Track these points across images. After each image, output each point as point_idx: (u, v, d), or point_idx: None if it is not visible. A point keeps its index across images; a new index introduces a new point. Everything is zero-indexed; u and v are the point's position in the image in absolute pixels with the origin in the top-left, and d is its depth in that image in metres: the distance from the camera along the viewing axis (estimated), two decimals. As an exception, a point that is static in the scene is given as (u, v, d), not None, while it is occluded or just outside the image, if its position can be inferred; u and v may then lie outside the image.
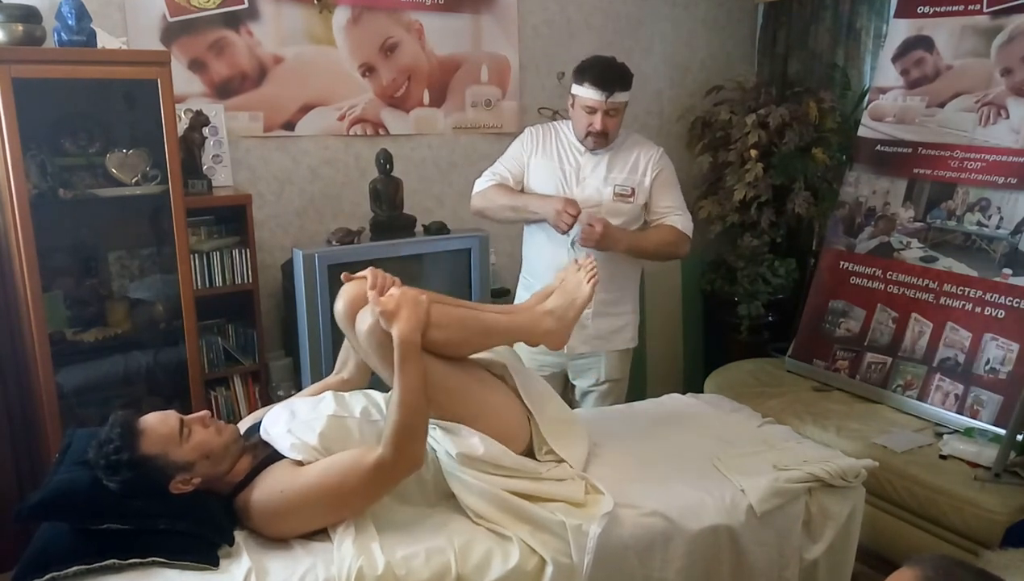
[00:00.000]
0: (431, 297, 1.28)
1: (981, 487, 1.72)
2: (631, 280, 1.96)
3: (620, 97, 1.77)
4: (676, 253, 1.91)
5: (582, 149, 1.86)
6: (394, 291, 1.23)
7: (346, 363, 1.49)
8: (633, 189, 1.85)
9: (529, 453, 1.37)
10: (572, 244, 1.83)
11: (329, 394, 1.35)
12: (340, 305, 1.32)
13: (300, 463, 1.20)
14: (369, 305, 1.23)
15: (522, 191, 1.90)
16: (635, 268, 1.97)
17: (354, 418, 1.28)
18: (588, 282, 1.42)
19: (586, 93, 1.76)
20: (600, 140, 1.81)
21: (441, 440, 1.29)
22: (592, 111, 1.76)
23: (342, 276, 1.33)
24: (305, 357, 1.99)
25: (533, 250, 1.96)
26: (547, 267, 1.88)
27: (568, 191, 1.85)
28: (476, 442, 1.26)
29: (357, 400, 1.34)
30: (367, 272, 1.29)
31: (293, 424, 1.26)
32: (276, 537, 1.18)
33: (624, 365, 2.00)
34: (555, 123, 1.96)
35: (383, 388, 1.42)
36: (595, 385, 1.96)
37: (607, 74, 1.75)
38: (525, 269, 2.02)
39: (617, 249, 1.80)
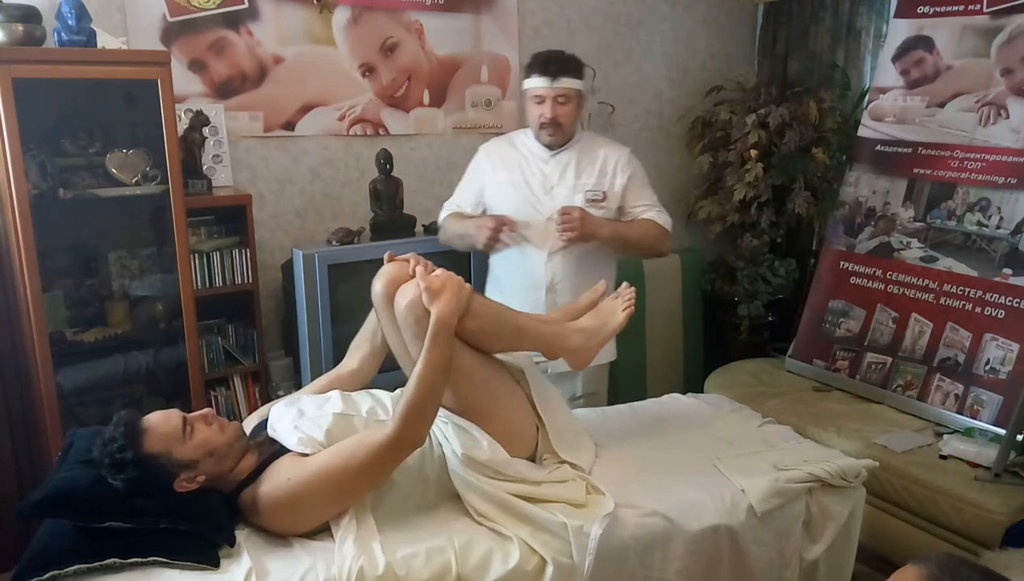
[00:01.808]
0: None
1: (981, 487, 1.72)
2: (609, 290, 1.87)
3: (567, 83, 1.72)
4: (657, 247, 1.83)
5: (545, 156, 1.81)
6: (440, 272, 1.27)
7: (358, 350, 1.48)
8: (604, 193, 1.79)
9: (531, 457, 1.37)
10: (548, 257, 1.78)
11: (336, 393, 1.36)
12: (379, 285, 1.34)
13: (306, 456, 1.21)
14: (415, 280, 1.26)
15: (484, 214, 1.84)
16: (612, 274, 1.87)
17: (360, 417, 1.29)
18: (623, 310, 1.45)
19: (533, 83, 1.74)
20: (555, 131, 1.75)
21: (450, 438, 1.29)
22: (541, 100, 1.73)
23: (385, 256, 1.36)
24: (305, 357, 1.99)
25: (504, 264, 1.87)
26: (519, 282, 1.82)
27: (538, 204, 1.79)
28: (485, 446, 1.27)
29: (363, 400, 1.35)
30: (409, 256, 1.33)
31: (300, 421, 1.27)
32: (283, 531, 1.18)
33: (602, 379, 1.95)
34: (511, 135, 1.92)
35: (387, 387, 1.42)
36: (571, 400, 1.89)
37: (551, 60, 1.72)
38: (492, 279, 1.95)
39: (601, 234, 1.72)
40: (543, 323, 1.47)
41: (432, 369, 1.19)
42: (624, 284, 1.53)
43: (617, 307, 1.47)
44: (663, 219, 1.82)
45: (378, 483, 1.21)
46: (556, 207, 1.76)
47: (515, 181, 1.82)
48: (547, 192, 1.80)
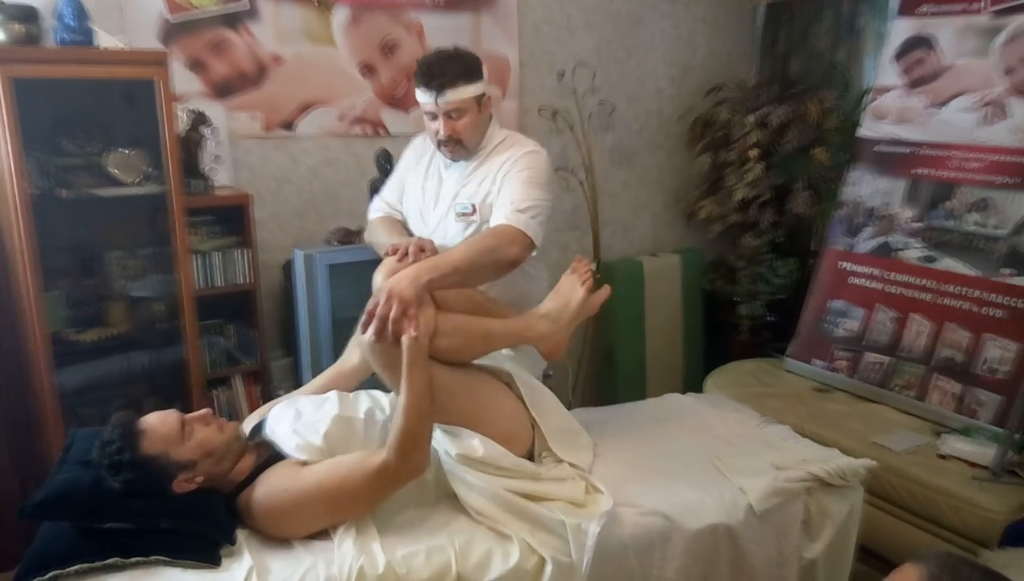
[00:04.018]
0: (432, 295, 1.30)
1: (980, 486, 1.73)
2: (527, 295, 1.59)
3: (456, 95, 1.44)
4: (499, 257, 1.38)
5: (448, 162, 1.58)
6: (398, 300, 1.25)
7: (357, 347, 1.48)
8: (475, 206, 1.51)
9: (530, 457, 1.38)
10: None
11: (334, 394, 1.36)
12: (379, 278, 1.34)
13: (304, 463, 1.21)
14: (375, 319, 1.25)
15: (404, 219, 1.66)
16: (523, 284, 1.58)
17: (358, 419, 1.30)
18: (582, 285, 1.42)
19: (420, 96, 1.48)
20: (455, 148, 1.51)
21: (441, 440, 1.30)
22: (432, 116, 1.48)
23: (389, 248, 1.36)
24: (305, 356, 2.00)
25: None
26: None
27: (427, 214, 1.58)
28: (476, 443, 1.27)
29: (361, 401, 1.35)
30: (411, 244, 1.34)
31: (298, 424, 1.27)
32: (278, 537, 1.19)
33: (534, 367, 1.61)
34: None
35: (386, 387, 1.43)
36: None
37: (432, 69, 1.44)
38: None
39: (420, 288, 1.25)
40: (508, 319, 1.43)
41: (417, 395, 1.19)
42: (576, 256, 1.45)
43: (575, 282, 1.42)
44: (516, 219, 1.40)
45: (375, 506, 1.21)
46: (435, 220, 1.56)
47: (417, 185, 1.61)
48: (435, 204, 1.58)
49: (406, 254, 1.33)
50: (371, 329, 1.23)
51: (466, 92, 1.46)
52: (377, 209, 1.69)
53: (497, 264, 1.39)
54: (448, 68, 1.45)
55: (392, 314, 1.22)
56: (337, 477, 1.16)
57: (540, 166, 1.51)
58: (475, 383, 1.36)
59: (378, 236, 1.59)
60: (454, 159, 1.57)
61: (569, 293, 1.42)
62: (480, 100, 1.50)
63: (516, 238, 1.40)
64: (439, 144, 1.53)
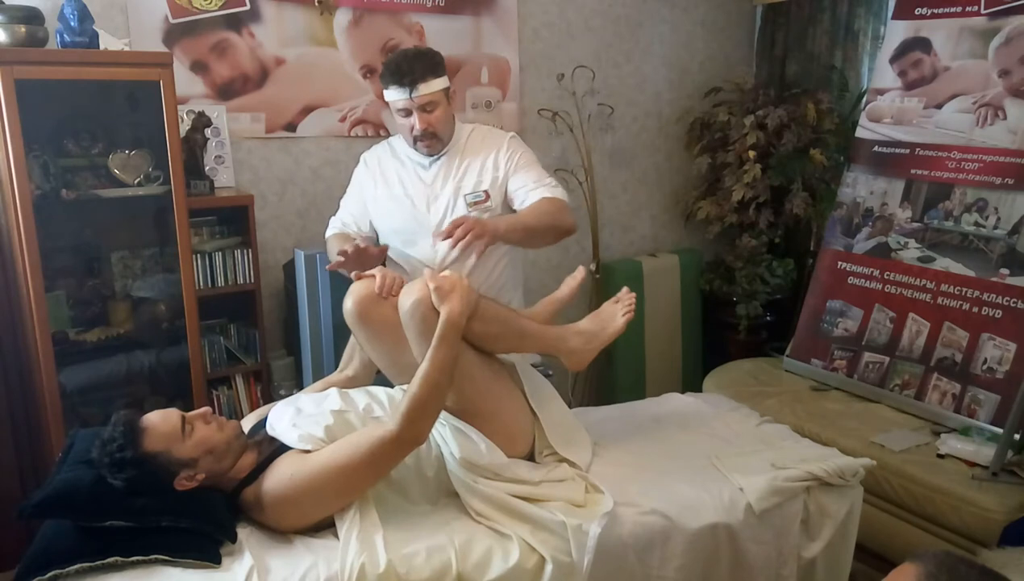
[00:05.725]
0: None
1: (979, 486, 1.73)
2: (512, 285, 1.70)
3: (428, 88, 1.51)
4: (560, 223, 1.55)
5: (425, 163, 1.62)
6: (450, 273, 1.29)
7: (351, 361, 1.51)
8: (486, 192, 1.59)
9: (530, 455, 1.39)
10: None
11: (334, 391, 1.37)
12: (349, 303, 1.36)
13: (308, 452, 1.22)
14: (421, 279, 1.28)
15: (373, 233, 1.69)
16: (517, 279, 1.71)
17: (358, 414, 1.31)
18: (623, 315, 1.45)
19: (391, 96, 1.54)
20: (432, 141, 1.57)
21: (448, 440, 1.30)
22: (407, 113, 1.54)
23: (352, 274, 1.37)
24: (307, 356, 2.00)
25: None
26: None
27: (423, 218, 1.61)
28: (483, 449, 1.28)
29: (360, 397, 1.37)
30: (375, 272, 1.36)
31: (299, 419, 1.28)
32: (286, 527, 1.20)
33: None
34: (392, 140, 1.71)
35: (386, 385, 1.44)
36: None
37: (403, 67, 1.50)
38: None
39: (499, 234, 1.44)
40: (544, 326, 1.48)
41: (438, 368, 1.20)
42: (624, 289, 1.51)
43: (617, 312, 1.46)
44: (556, 193, 1.58)
45: (379, 479, 1.22)
46: (441, 218, 1.59)
47: (396, 195, 1.63)
48: (430, 205, 1.61)
49: (373, 277, 1.37)
50: (455, 235, 1.36)
51: (435, 85, 1.54)
52: (333, 227, 1.71)
53: (558, 229, 1.56)
54: (416, 64, 1.52)
55: (473, 231, 1.36)
56: (342, 454, 1.17)
57: (526, 148, 1.67)
58: (496, 377, 1.38)
59: (333, 250, 1.60)
60: (430, 154, 1.61)
61: (608, 320, 1.46)
62: (447, 93, 1.58)
63: (566, 208, 1.58)
64: (415, 140, 1.58)
